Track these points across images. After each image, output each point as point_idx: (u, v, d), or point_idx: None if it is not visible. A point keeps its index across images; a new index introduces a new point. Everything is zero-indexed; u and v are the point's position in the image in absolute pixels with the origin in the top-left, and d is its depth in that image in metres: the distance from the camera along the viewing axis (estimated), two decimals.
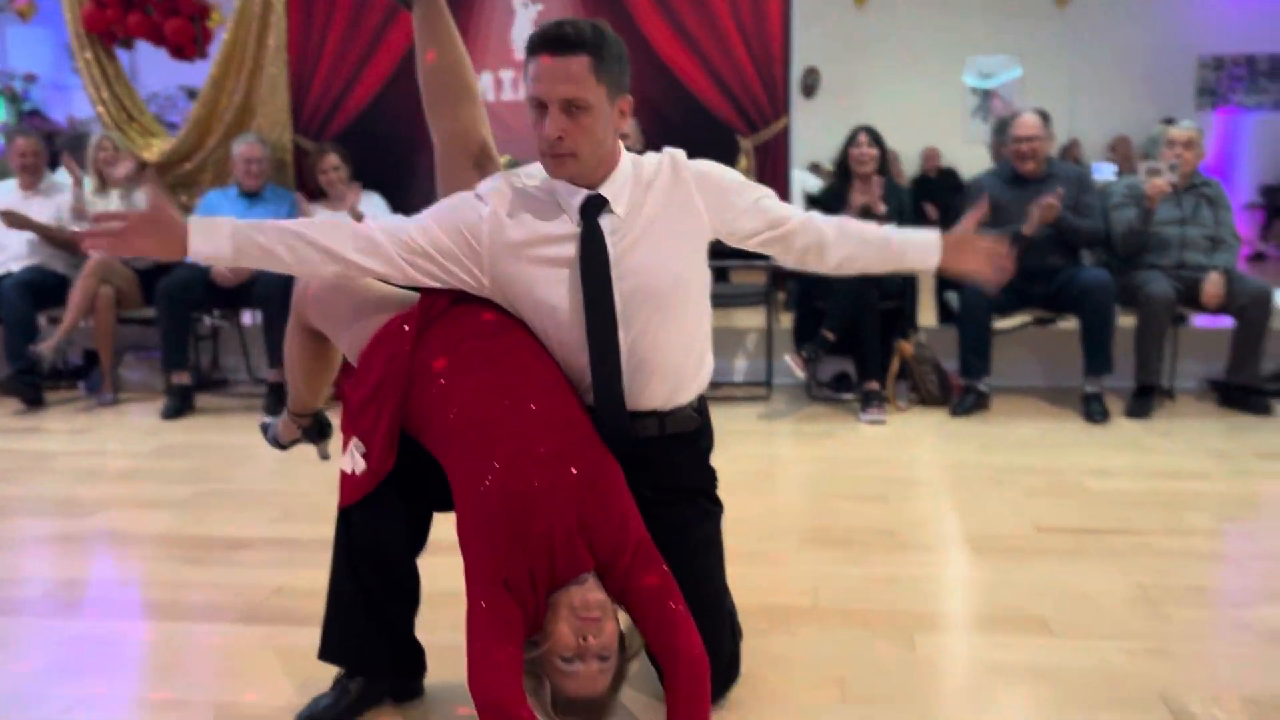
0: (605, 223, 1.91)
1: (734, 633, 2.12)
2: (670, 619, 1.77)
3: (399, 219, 1.98)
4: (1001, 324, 4.84)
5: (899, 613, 2.51)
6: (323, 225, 1.92)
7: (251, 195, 5.29)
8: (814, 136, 11.58)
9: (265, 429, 2.54)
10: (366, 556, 1.98)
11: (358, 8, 5.41)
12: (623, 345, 1.91)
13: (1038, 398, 4.94)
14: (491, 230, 1.92)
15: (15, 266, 5.39)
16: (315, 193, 5.38)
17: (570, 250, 1.91)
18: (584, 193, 1.92)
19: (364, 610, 1.99)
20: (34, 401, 5.14)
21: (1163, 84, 11.13)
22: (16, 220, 5.31)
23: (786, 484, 3.69)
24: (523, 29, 5.33)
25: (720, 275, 5.67)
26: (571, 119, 1.83)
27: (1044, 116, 4.77)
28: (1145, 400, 4.55)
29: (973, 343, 4.66)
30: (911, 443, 4.24)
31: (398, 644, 2.06)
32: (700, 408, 2.08)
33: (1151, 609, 2.51)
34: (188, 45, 5.62)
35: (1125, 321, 4.73)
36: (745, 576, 2.41)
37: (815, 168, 11.62)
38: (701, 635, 1.79)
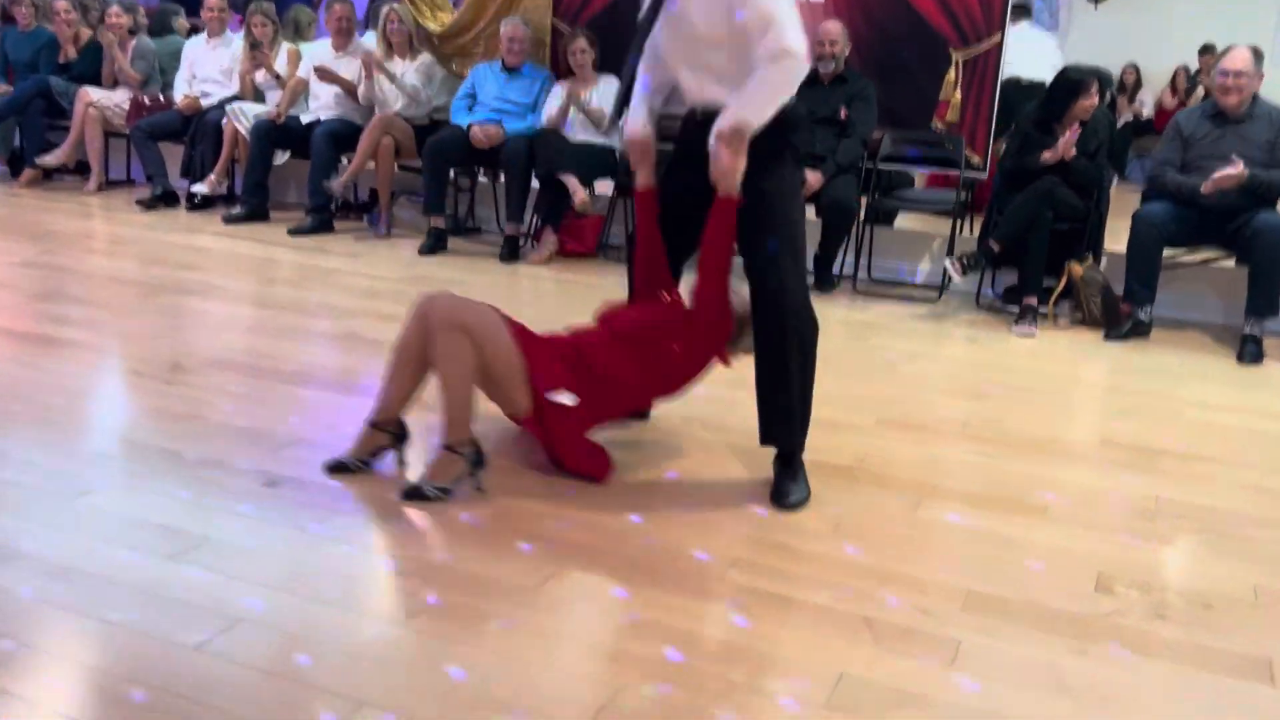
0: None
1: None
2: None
3: None
4: (1172, 255, 4.95)
5: (922, 483, 3.02)
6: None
7: (511, 70, 6.12)
8: (1101, 47, 11.17)
9: (418, 493, 2.68)
10: None
11: None
12: None
13: (1205, 333, 5.04)
14: None
15: (324, 115, 6.52)
16: (565, 71, 6.13)
17: None
18: None
19: None
20: (326, 227, 6.30)
21: None
22: (328, 75, 6.40)
23: (902, 375, 4.16)
24: None
25: (910, 181, 6.01)
26: None
27: (1256, 54, 4.74)
28: None
29: (1139, 270, 4.83)
30: (1048, 357, 4.55)
31: None
32: None
33: (1145, 520, 2.88)
34: None
35: None
36: (812, 438, 2.95)
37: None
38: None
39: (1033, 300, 4.93)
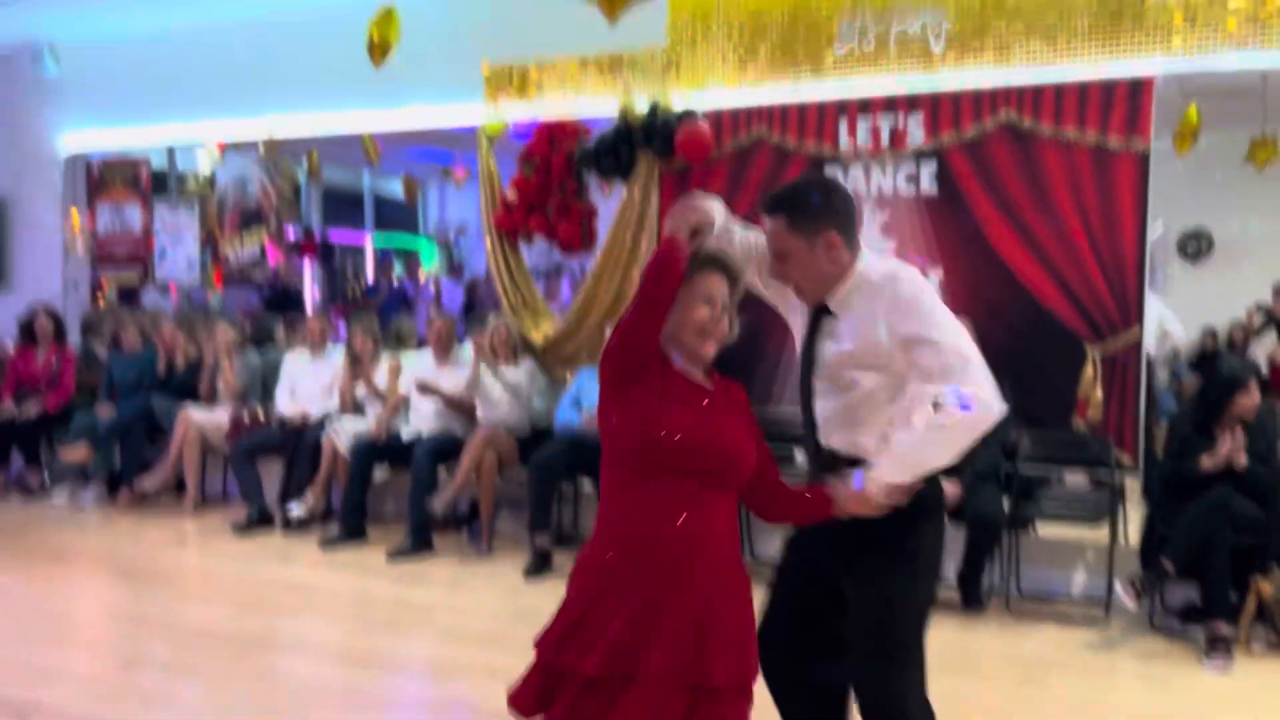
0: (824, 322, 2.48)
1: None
2: None
3: None
4: None
5: None
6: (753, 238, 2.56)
7: None
8: (1198, 304, 10.79)
9: None
10: None
11: None
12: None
13: None
14: None
15: (425, 428, 6.33)
16: None
17: None
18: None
19: None
20: (426, 546, 5.98)
21: None
22: (428, 389, 6.27)
23: None
24: (868, 229, 5.57)
25: (1049, 483, 5.49)
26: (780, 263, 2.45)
27: None
28: None
29: None
30: (1258, 701, 3.90)
31: None
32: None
33: None
34: (575, 242, 6.43)
35: None
36: None
37: (1213, 336, 10.73)
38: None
39: (1222, 628, 4.31)
